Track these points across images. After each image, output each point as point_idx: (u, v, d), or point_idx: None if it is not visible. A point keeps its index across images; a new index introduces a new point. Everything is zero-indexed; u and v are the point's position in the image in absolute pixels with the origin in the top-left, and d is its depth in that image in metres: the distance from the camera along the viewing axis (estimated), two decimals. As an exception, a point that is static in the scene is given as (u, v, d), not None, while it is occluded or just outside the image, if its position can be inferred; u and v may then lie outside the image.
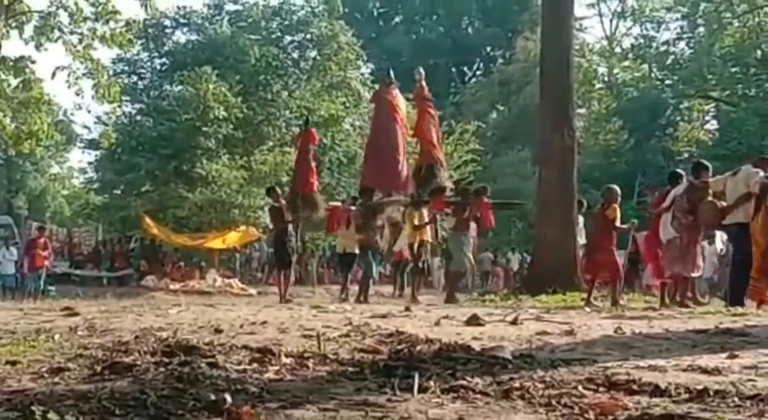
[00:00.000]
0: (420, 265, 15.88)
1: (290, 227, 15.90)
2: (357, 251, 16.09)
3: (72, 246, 36.70)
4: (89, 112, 74.05)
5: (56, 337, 5.26)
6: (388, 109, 16.33)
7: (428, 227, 15.83)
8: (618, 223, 13.21)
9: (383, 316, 7.35)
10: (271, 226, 17.29)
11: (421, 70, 17.55)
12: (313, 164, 17.11)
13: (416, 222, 15.53)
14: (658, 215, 12.73)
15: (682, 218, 11.89)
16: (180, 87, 34.79)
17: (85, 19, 24.07)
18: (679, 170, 13.47)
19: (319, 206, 16.33)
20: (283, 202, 15.90)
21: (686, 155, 41.74)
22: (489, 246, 35.17)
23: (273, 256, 17.80)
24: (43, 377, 3.56)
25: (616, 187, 13.52)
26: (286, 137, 36.21)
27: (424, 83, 17.36)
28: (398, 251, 17.44)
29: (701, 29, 45.31)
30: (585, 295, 13.44)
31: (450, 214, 15.52)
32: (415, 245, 15.62)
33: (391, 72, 17.15)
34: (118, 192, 37.39)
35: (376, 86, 22.48)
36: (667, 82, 45.13)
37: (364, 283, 15.62)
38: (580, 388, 3.28)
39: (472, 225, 15.30)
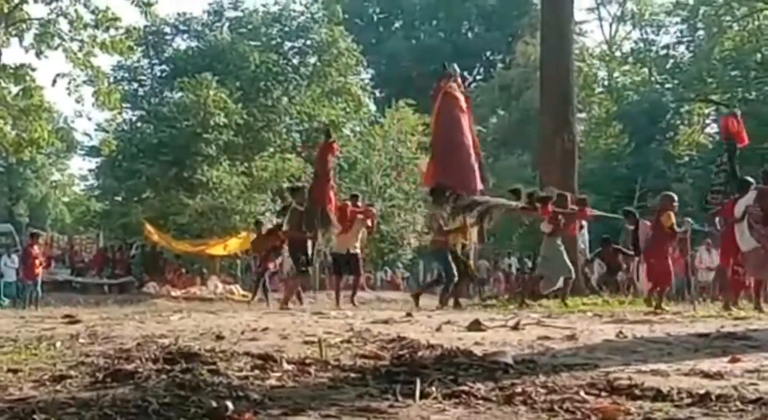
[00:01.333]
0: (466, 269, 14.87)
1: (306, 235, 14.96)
2: (358, 251, 15.66)
3: (73, 253, 36.66)
4: (90, 119, 74.24)
5: (58, 344, 5.25)
6: (452, 103, 15.38)
7: (469, 230, 14.93)
8: (675, 229, 13.08)
9: (385, 322, 7.35)
10: (286, 228, 15.83)
11: (456, 66, 17.01)
12: (332, 179, 16.27)
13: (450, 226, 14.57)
14: (730, 225, 12.65)
15: (761, 229, 11.75)
16: (180, 93, 34.86)
17: (85, 26, 24.16)
18: (748, 178, 13.05)
19: (332, 227, 15.57)
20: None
21: (687, 159, 41.75)
22: (488, 252, 35.12)
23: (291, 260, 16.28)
24: (44, 385, 3.55)
25: (672, 194, 13.51)
26: (287, 143, 36.26)
27: (460, 80, 16.67)
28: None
29: (701, 33, 45.27)
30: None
31: (546, 220, 14.89)
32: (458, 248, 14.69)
33: (447, 64, 16.28)
34: (119, 199, 37.44)
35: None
36: (667, 85, 45.10)
37: (448, 285, 14.50)
38: (582, 393, 3.27)
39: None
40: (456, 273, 14.11)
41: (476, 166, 15.25)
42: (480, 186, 15.19)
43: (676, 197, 13.44)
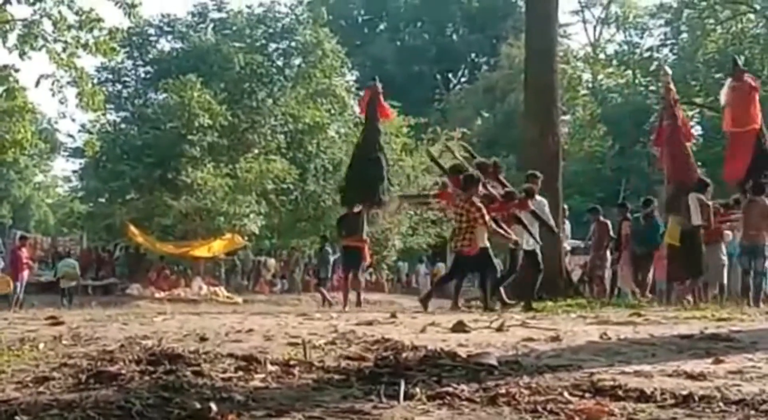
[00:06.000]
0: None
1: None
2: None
3: (57, 256, 36.49)
4: (73, 120, 73.33)
5: (41, 346, 5.23)
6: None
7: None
8: None
9: (369, 324, 7.34)
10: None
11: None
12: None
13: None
14: None
15: None
16: (164, 95, 34.72)
17: (69, 27, 23.94)
18: None
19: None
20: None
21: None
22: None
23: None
24: (27, 387, 3.54)
25: None
26: (272, 145, 36.16)
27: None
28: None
29: (685, 35, 45.48)
30: (570, 302, 13.47)
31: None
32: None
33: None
34: (103, 200, 37.20)
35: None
36: (651, 88, 45.25)
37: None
38: (566, 394, 3.28)
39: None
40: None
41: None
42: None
43: None
